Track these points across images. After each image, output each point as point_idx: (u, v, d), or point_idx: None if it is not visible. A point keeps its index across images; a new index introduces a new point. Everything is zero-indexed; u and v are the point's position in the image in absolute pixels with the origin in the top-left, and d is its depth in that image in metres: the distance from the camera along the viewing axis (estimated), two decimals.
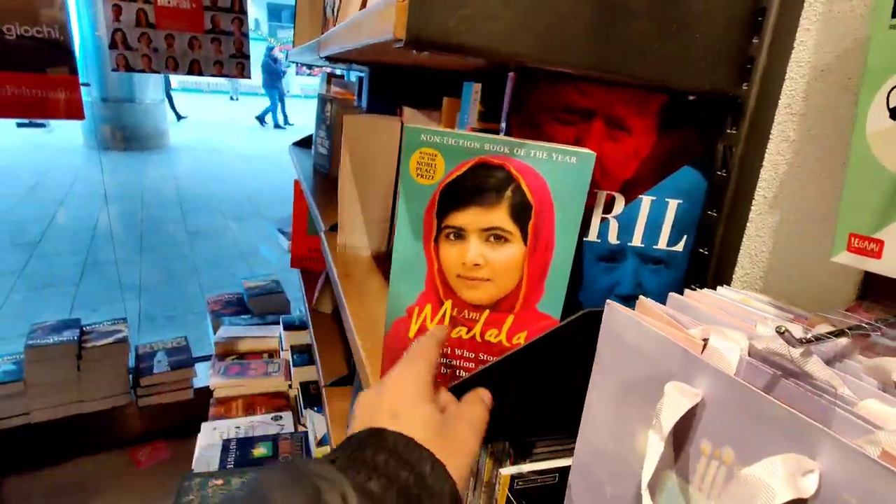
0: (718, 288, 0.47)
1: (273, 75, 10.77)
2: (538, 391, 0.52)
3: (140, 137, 7.28)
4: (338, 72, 1.88)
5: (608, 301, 0.41)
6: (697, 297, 0.44)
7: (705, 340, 0.35)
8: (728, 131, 0.50)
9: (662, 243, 0.55)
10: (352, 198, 0.90)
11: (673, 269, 0.56)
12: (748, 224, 0.52)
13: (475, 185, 0.45)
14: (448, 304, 0.49)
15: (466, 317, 0.50)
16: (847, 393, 0.31)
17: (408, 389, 0.39)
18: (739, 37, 0.47)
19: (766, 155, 0.50)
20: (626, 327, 0.39)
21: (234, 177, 6.42)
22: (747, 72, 0.48)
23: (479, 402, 0.43)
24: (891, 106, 0.30)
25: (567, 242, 0.47)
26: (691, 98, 0.50)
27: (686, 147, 0.52)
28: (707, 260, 0.53)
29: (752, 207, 0.51)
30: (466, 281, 0.48)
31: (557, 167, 0.44)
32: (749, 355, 0.34)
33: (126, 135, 7.16)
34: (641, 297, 0.41)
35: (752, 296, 0.47)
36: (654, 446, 0.32)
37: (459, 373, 0.52)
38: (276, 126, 11.32)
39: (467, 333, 0.50)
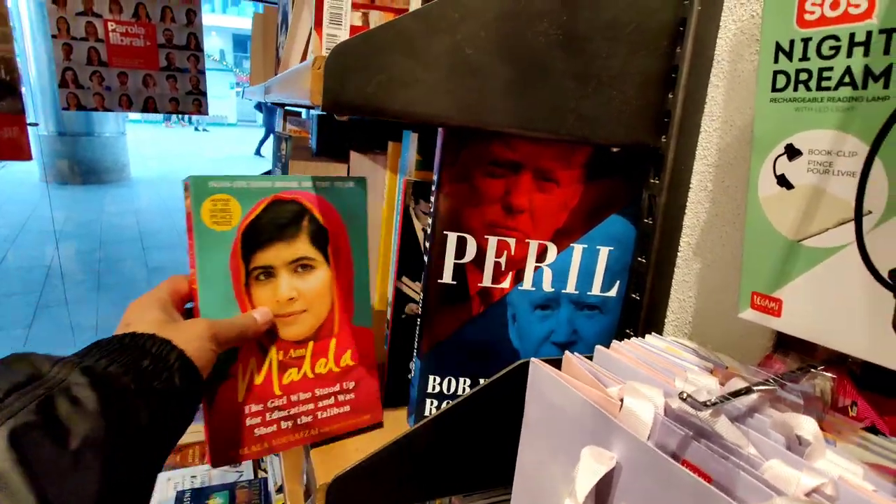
0: (647, 336, 0.48)
1: (269, 110, 10.70)
2: (477, 444, 0.51)
3: (99, 171, 7.12)
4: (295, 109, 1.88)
5: (532, 360, 0.41)
6: (622, 350, 0.44)
7: (622, 400, 0.36)
8: (651, 181, 0.52)
9: (596, 289, 0.56)
10: None
11: (607, 315, 0.57)
12: (676, 270, 0.53)
13: (273, 221, 0.48)
14: (273, 352, 0.50)
15: (293, 356, 0.51)
16: (753, 453, 0.31)
17: (140, 304, 0.44)
18: (655, 93, 0.49)
19: (688, 203, 0.51)
20: (549, 387, 0.39)
21: None
22: (665, 125, 0.50)
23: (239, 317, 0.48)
24: (778, 173, 0.32)
25: (363, 257, 0.54)
26: (615, 150, 0.51)
27: (613, 196, 0.53)
28: (639, 305, 0.54)
29: (679, 254, 0.53)
30: (284, 318, 0.50)
31: (341, 193, 0.51)
32: (665, 414, 0.35)
33: (84, 169, 6.99)
34: (567, 353, 0.42)
35: (679, 343, 0.48)
36: None
37: (301, 420, 0.53)
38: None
39: (298, 373, 0.52)
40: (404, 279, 0.59)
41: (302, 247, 0.50)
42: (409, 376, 0.60)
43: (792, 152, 0.31)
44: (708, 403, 0.31)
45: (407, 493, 0.49)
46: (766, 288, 0.34)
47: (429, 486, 0.50)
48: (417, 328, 0.55)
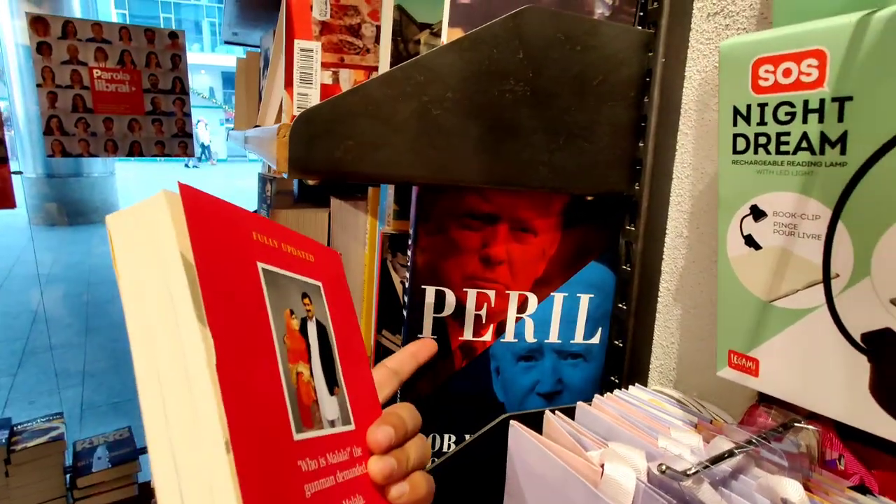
0: (631, 388, 0.48)
1: None
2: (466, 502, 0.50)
3: (87, 212, 7.10)
4: None
5: (512, 423, 0.40)
6: (604, 406, 0.43)
7: (603, 466, 0.35)
8: (627, 227, 0.52)
9: (579, 337, 0.55)
10: None
11: (591, 363, 0.56)
12: (657, 315, 0.53)
13: None
14: None
15: None
16: None
17: None
18: (626, 142, 0.49)
19: (665, 249, 0.51)
20: (528, 452, 0.38)
21: None
22: (637, 173, 0.50)
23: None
24: (745, 233, 0.32)
25: None
26: (589, 198, 0.51)
27: (591, 243, 0.53)
28: (623, 352, 0.53)
29: (659, 299, 0.52)
30: None
31: None
32: (648, 479, 0.34)
33: (72, 210, 6.96)
34: (547, 412, 0.41)
35: (662, 394, 0.47)
36: None
37: None
38: None
39: None
40: (384, 332, 0.58)
41: None
42: None
43: (757, 213, 0.31)
44: (688, 473, 0.30)
45: None
46: (743, 347, 0.33)
47: None
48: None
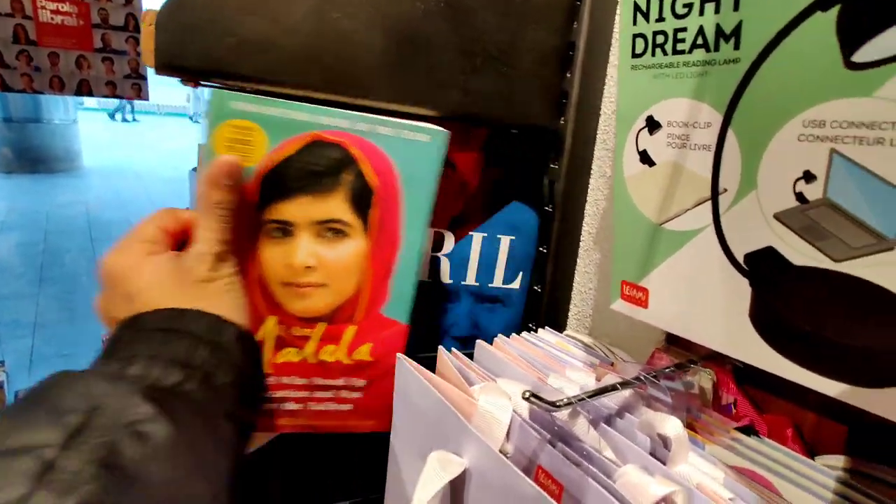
0: (540, 330, 0.45)
1: None
2: (366, 447, 0.47)
3: (48, 160, 6.80)
4: None
5: (398, 355, 0.37)
6: (505, 346, 0.41)
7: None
8: (551, 166, 0.49)
9: (497, 281, 0.53)
10: None
11: (510, 308, 0.54)
12: (578, 261, 0.50)
13: (306, 167, 0.36)
14: (272, 322, 0.39)
15: (297, 334, 0.40)
16: (610, 457, 0.29)
17: (134, 260, 0.33)
18: (552, 72, 0.46)
19: (588, 190, 0.49)
20: (412, 386, 0.35)
21: (152, 201, 6.09)
22: (562, 107, 0.47)
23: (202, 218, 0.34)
24: (640, 149, 0.29)
25: (416, 234, 0.40)
26: (514, 132, 0.48)
27: (513, 182, 0.50)
28: (541, 297, 0.51)
29: (580, 243, 0.50)
30: (295, 289, 0.39)
31: (406, 146, 0.37)
32: (530, 416, 0.32)
33: (32, 157, 6.67)
34: (441, 349, 0.38)
35: (572, 338, 0.45)
36: None
37: (286, 405, 0.42)
38: None
39: (297, 355, 0.41)
40: None
41: (337, 206, 0.38)
42: None
43: (652, 125, 0.28)
44: (559, 403, 0.28)
45: (284, 499, 0.45)
46: (635, 276, 0.31)
47: (306, 492, 0.46)
48: None
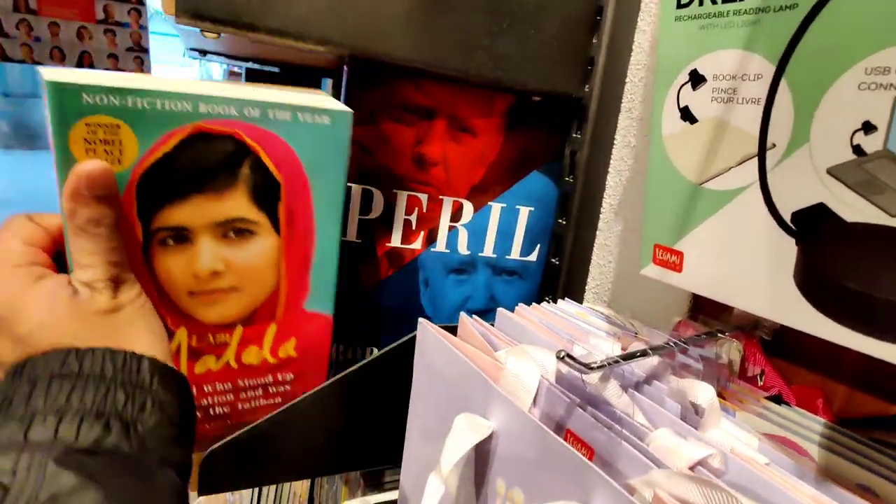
0: (560, 301, 0.45)
1: None
2: (381, 417, 0.47)
3: (46, 136, 6.74)
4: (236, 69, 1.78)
5: (421, 321, 0.36)
6: (527, 314, 0.40)
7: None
8: (574, 135, 0.48)
9: (515, 253, 0.52)
10: None
11: (527, 281, 0.53)
12: (597, 233, 0.50)
13: (192, 165, 0.32)
14: (182, 334, 0.36)
15: (212, 342, 0.38)
16: (642, 422, 0.28)
17: (7, 296, 0.27)
18: (578, 36, 0.44)
19: (611, 161, 0.48)
20: (435, 350, 0.35)
21: None
22: (588, 73, 0.45)
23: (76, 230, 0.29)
24: (681, 105, 0.28)
25: (330, 223, 0.38)
26: (536, 99, 0.47)
27: (535, 151, 0.49)
28: (559, 270, 0.50)
29: (601, 216, 0.49)
30: (204, 297, 0.36)
31: (307, 132, 0.34)
32: (557, 380, 0.31)
33: (30, 133, 6.61)
34: (463, 314, 0.38)
35: (592, 310, 0.44)
36: (432, 489, 0.28)
37: (215, 410, 0.40)
38: None
39: (217, 362, 0.38)
40: None
41: (237, 204, 0.34)
42: None
43: (696, 79, 0.27)
44: (593, 366, 0.27)
45: (293, 468, 0.45)
46: (669, 240, 0.30)
47: (318, 461, 0.46)
48: None
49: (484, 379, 0.30)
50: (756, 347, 0.35)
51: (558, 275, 0.50)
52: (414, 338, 0.46)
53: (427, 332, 0.35)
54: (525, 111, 0.48)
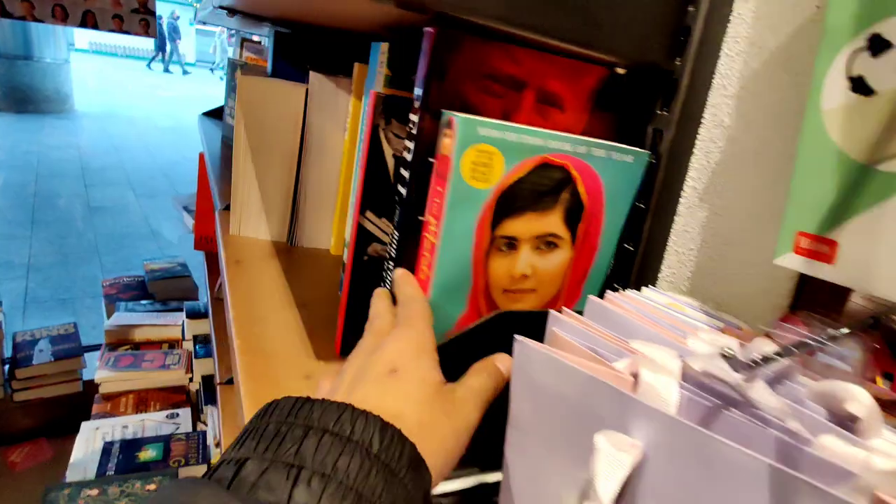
0: (643, 289, 0.42)
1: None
2: None
3: (38, 100, 6.58)
4: (255, 38, 1.72)
5: (517, 338, 0.33)
6: (619, 303, 0.37)
7: (635, 375, 0.29)
8: (660, 113, 0.44)
9: None
10: (247, 174, 0.79)
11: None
12: (676, 218, 0.46)
13: (534, 188, 0.39)
14: None
15: None
16: (796, 427, 0.25)
17: (410, 345, 0.33)
18: (675, 2, 0.41)
19: (697, 141, 0.44)
20: (541, 368, 0.31)
21: (147, 149, 5.94)
22: (681, 44, 0.42)
23: (483, 371, 0.35)
24: (854, 74, 0.24)
25: (610, 243, 0.45)
26: (621, 72, 0.43)
27: (617, 129, 0.46)
28: (633, 256, 0.47)
29: (682, 199, 0.46)
30: (512, 294, 0.43)
31: (613, 166, 0.42)
32: (682, 380, 0.28)
33: (20, 97, 6.44)
34: (555, 329, 0.34)
35: (679, 299, 0.42)
36: None
37: None
38: None
39: None
40: (368, 214, 0.50)
41: (553, 221, 0.41)
42: None
43: (878, 45, 0.23)
44: (751, 364, 0.24)
45: None
46: (819, 227, 0.27)
47: None
48: (385, 273, 0.46)
49: (619, 391, 0.27)
50: (882, 347, 0.32)
51: (632, 261, 0.47)
52: (486, 324, 0.43)
53: (529, 350, 0.32)
54: (611, 86, 0.44)
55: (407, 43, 0.53)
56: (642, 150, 0.42)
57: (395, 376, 0.31)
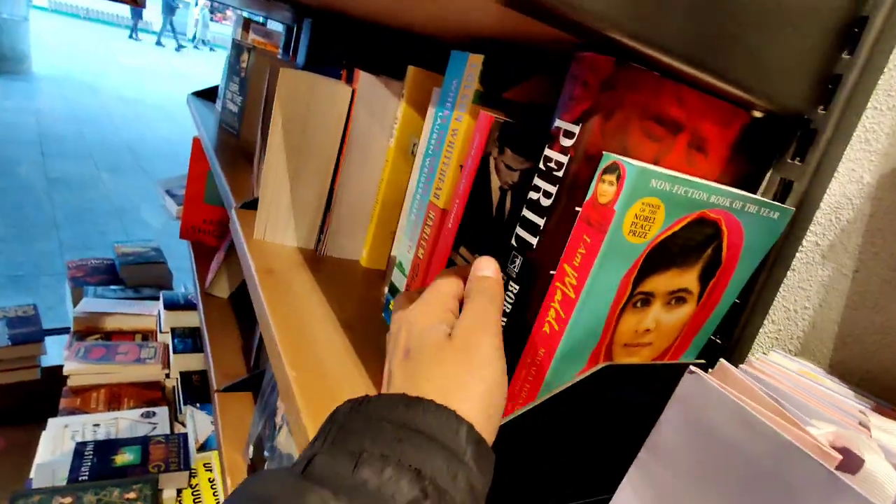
0: (771, 353, 0.39)
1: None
2: (549, 456, 0.40)
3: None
4: (259, 19, 1.63)
5: (691, 367, 0.30)
6: (760, 368, 0.34)
7: (843, 451, 0.25)
8: (789, 161, 0.42)
9: None
10: (279, 175, 0.72)
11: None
12: (791, 273, 0.44)
13: (684, 243, 0.35)
14: None
15: None
16: None
17: (422, 316, 0.34)
18: (829, 46, 0.38)
19: (825, 196, 0.42)
20: (718, 411, 0.28)
21: (112, 120, 5.63)
22: (828, 93, 0.39)
23: (483, 295, 0.34)
24: None
25: (730, 298, 0.41)
26: (758, 115, 0.40)
27: (745, 177, 0.42)
28: (740, 310, 0.44)
29: (799, 255, 0.43)
30: (630, 349, 0.39)
31: (758, 221, 0.38)
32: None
33: None
34: (724, 363, 0.31)
35: (807, 366, 0.39)
36: None
37: None
38: None
39: None
40: (461, 250, 0.45)
41: (690, 277, 0.38)
42: None
43: None
44: None
45: None
46: None
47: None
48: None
49: (829, 472, 0.24)
50: None
51: (738, 315, 0.44)
52: (595, 374, 0.39)
53: (705, 387, 0.29)
54: (749, 131, 0.41)
55: (502, 57, 0.48)
56: (787, 207, 0.38)
57: (406, 363, 0.31)
